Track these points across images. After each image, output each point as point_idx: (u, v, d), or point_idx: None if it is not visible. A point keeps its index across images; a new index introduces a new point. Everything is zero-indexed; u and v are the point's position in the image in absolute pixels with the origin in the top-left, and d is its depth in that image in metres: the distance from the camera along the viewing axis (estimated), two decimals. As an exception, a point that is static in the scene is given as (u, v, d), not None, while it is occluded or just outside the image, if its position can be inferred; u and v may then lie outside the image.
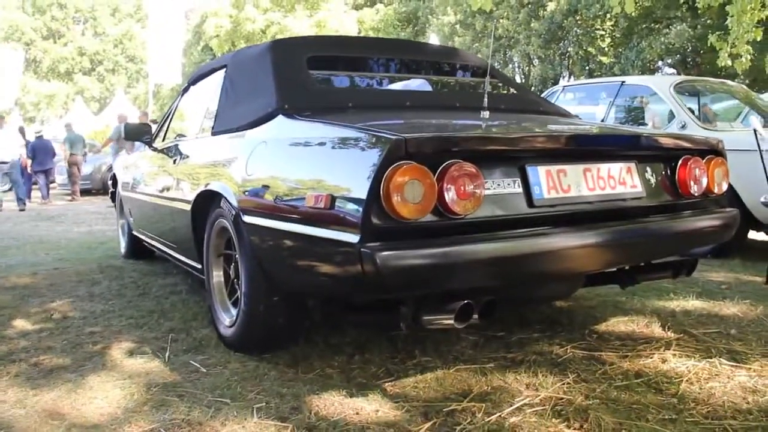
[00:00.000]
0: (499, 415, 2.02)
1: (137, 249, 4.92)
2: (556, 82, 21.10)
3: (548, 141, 2.25)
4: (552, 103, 3.36)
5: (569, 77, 21.87)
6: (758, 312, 3.16)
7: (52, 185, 13.55)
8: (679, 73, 18.96)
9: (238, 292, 2.66)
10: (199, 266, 3.08)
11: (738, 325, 2.94)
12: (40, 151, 12.19)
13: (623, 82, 5.47)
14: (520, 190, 2.09)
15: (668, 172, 2.53)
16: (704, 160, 2.57)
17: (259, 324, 2.53)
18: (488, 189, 1.99)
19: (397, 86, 3.19)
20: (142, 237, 4.47)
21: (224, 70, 3.30)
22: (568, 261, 2.14)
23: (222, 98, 3.16)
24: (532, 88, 20.63)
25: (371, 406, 2.12)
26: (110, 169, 13.09)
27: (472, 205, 1.92)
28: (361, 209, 1.83)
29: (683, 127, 4.80)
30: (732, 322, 2.99)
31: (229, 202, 2.57)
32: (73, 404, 2.17)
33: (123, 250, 5.25)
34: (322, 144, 2.20)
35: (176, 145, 3.65)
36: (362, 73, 3.29)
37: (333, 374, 2.40)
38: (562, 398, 2.13)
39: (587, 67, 20.61)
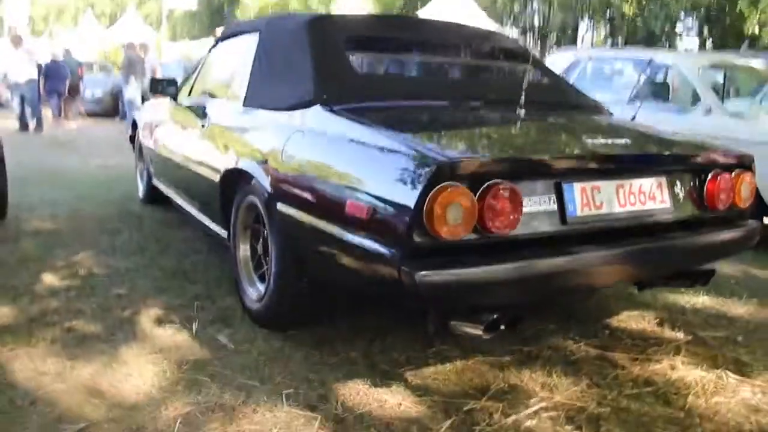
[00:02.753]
0: (516, 418, 2.13)
1: (156, 195, 4.96)
2: (575, 29, 20.69)
3: (585, 159, 2.27)
4: (584, 95, 3.33)
5: (590, 23, 21.40)
6: (765, 314, 3.24)
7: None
8: (701, 30, 18.57)
9: (265, 268, 2.74)
10: (224, 233, 3.14)
11: (745, 329, 3.02)
12: (54, 73, 12.39)
13: (651, 59, 5.40)
14: (555, 207, 2.13)
15: (697, 185, 2.56)
16: (732, 175, 2.60)
17: (287, 303, 2.62)
18: (525, 207, 2.03)
19: (435, 74, 3.16)
20: (163, 188, 4.51)
21: (257, 35, 3.26)
22: (598, 276, 2.23)
23: (255, 68, 3.13)
24: (552, 34, 20.23)
25: (394, 399, 2.22)
26: (120, 93, 13.05)
27: (510, 224, 1.97)
28: (403, 226, 1.88)
29: (708, 111, 4.78)
30: (739, 325, 3.07)
31: (261, 184, 2.61)
32: (110, 381, 2.27)
33: (141, 194, 5.32)
34: (362, 147, 2.21)
35: (204, 107, 3.62)
36: (400, 56, 3.26)
37: (357, 359, 2.50)
38: (575, 404, 2.23)
39: (608, 16, 20.12)
